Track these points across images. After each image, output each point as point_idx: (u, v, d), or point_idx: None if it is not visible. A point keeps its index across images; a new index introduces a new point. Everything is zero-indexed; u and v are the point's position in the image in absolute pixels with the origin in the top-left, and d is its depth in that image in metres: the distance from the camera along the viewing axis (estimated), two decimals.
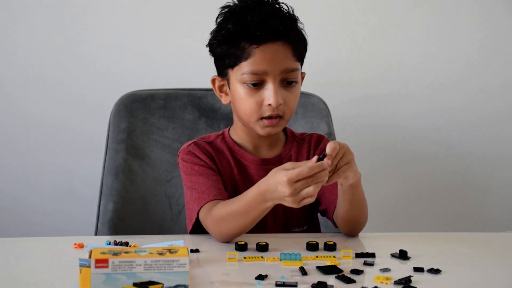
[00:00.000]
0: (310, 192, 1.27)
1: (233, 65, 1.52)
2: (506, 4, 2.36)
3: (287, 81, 1.51)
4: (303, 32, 1.56)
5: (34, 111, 2.26)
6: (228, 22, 1.52)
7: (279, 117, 1.51)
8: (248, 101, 1.51)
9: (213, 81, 1.60)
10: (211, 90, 1.99)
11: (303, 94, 1.95)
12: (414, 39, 2.36)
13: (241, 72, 1.50)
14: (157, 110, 1.94)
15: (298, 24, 1.55)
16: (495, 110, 2.41)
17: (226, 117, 1.95)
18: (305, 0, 2.18)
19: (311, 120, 1.95)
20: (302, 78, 1.61)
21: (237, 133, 1.62)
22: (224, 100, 1.59)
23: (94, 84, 2.27)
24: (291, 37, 1.50)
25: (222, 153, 1.60)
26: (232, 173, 1.59)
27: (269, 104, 1.49)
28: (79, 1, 2.24)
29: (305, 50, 1.57)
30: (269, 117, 1.51)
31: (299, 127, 1.93)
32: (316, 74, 2.22)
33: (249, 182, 1.56)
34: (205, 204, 1.48)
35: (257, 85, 1.49)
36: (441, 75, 2.38)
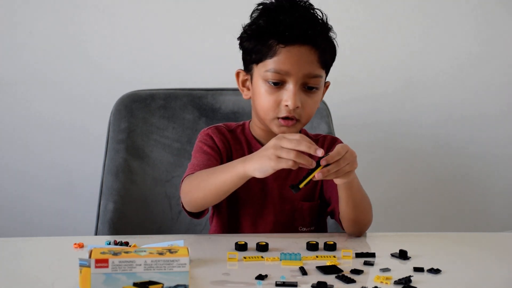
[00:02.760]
0: (290, 155, 1.28)
1: (258, 61, 1.53)
2: (504, 3, 2.36)
3: (308, 86, 1.51)
4: (334, 42, 1.56)
5: (34, 111, 2.26)
6: (260, 18, 1.54)
7: (295, 119, 1.52)
8: (267, 99, 1.52)
9: (238, 74, 1.61)
10: (211, 90, 1.99)
11: None
12: (414, 38, 2.36)
13: (265, 69, 1.51)
14: (157, 110, 1.94)
15: (331, 33, 1.55)
16: (495, 109, 2.41)
17: (226, 117, 1.95)
18: None
19: (311, 120, 1.94)
20: (326, 87, 1.62)
21: (254, 129, 1.64)
22: (245, 95, 1.61)
23: (94, 84, 2.26)
24: (319, 43, 1.50)
25: (239, 143, 1.62)
26: None
27: (286, 105, 1.49)
28: (79, 1, 2.24)
29: (332, 60, 1.57)
30: (285, 118, 1.51)
31: None
32: None
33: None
34: (191, 173, 1.50)
35: (278, 84, 1.50)
36: (441, 74, 2.38)
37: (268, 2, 1.55)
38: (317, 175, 1.30)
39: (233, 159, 1.59)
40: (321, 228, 1.66)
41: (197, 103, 1.97)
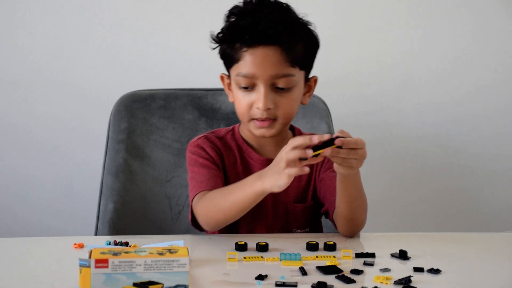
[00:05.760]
0: (284, 163, 1.29)
1: (229, 66, 1.54)
2: (502, 1, 2.35)
3: (279, 87, 1.50)
4: (315, 34, 1.54)
5: (34, 111, 2.26)
6: (225, 24, 1.54)
7: (271, 120, 1.51)
8: (240, 102, 1.52)
9: (222, 78, 1.62)
10: (211, 90, 2.00)
11: None
12: (413, 38, 2.36)
13: (235, 73, 1.51)
14: (157, 110, 1.94)
15: (309, 27, 1.54)
16: (496, 108, 2.41)
17: (226, 117, 1.95)
18: (304, 0, 2.18)
19: (311, 120, 1.95)
20: (315, 81, 1.61)
21: (244, 131, 1.63)
22: (230, 98, 1.60)
23: (94, 84, 2.26)
24: (284, 42, 1.47)
25: (230, 150, 1.61)
26: (237, 171, 1.60)
27: (258, 108, 1.50)
28: (79, 1, 2.24)
29: (309, 55, 1.55)
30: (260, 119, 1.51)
31: (299, 127, 1.93)
32: (316, 74, 2.22)
33: None
34: (200, 192, 1.50)
35: (248, 88, 1.50)
36: (440, 74, 2.38)
37: (235, 5, 1.54)
38: (326, 151, 1.28)
39: (226, 166, 1.60)
40: (316, 229, 1.66)
41: (197, 103, 1.97)
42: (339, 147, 1.30)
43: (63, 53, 2.25)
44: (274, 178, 1.32)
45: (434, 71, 2.38)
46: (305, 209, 1.61)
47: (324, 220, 1.70)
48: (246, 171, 1.60)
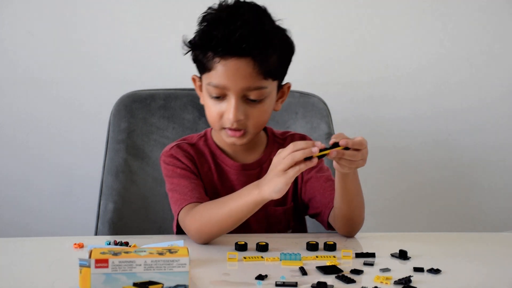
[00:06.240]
0: (288, 161, 1.28)
1: (202, 72, 1.52)
2: (510, 6, 2.35)
3: (250, 99, 1.47)
4: (290, 43, 1.50)
5: (34, 111, 2.26)
6: (197, 30, 1.51)
7: (243, 130, 1.49)
8: (211, 110, 1.50)
9: (194, 80, 1.59)
10: None
11: (303, 94, 1.96)
12: (416, 40, 2.36)
13: (206, 82, 1.49)
14: (157, 110, 1.94)
15: (285, 34, 1.50)
16: (494, 110, 2.41)
17: None
18: (305, 0, 2.18)
19: (311, 120, 1.95)
20: (288, 88, 1.58)
21: (216, 136, 1.61)
22: (201, 100, 1.57)
23: (94, 84, 2.26)
24: (257, 55, 1.43)
25: (203, 157, 1.59)
26: (212, 178, 1.58)
27: (228, 118, 1.47)
28: (79, 1, 2.24)
29: (283, 65, 1.52)
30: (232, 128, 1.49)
31: (299, 127, 1.93)
32: (316, 74, 2.22)
33: (229, 187, 1.56)
34: (186, 205, 1.47)
35: (219, 97, 1.48)
36: (442, 77, 2.38)
37: (209, 11, 1.50)
38: (332, 152, 1.28)
39: (200, 173, 1.56)
40: (299, 230, 1.65)
41: (197, 103, 1.96)
42: (345, 148, 1.29)
43: (63, 53, 2.25)
44: (272, 183, 1.31)
45: (436, 74, 2.38)
46: (285, 212, 1.60)
47: (309, 221, 1.68)
48: (221, 177, 1.58)
